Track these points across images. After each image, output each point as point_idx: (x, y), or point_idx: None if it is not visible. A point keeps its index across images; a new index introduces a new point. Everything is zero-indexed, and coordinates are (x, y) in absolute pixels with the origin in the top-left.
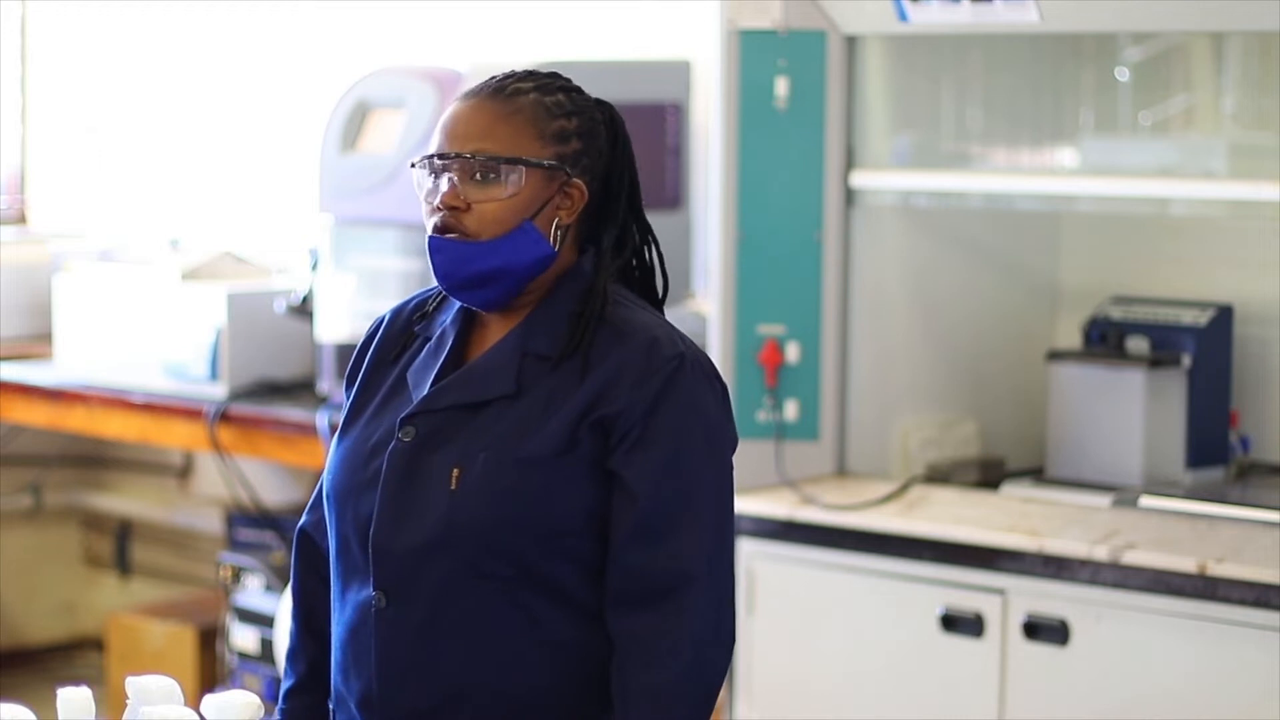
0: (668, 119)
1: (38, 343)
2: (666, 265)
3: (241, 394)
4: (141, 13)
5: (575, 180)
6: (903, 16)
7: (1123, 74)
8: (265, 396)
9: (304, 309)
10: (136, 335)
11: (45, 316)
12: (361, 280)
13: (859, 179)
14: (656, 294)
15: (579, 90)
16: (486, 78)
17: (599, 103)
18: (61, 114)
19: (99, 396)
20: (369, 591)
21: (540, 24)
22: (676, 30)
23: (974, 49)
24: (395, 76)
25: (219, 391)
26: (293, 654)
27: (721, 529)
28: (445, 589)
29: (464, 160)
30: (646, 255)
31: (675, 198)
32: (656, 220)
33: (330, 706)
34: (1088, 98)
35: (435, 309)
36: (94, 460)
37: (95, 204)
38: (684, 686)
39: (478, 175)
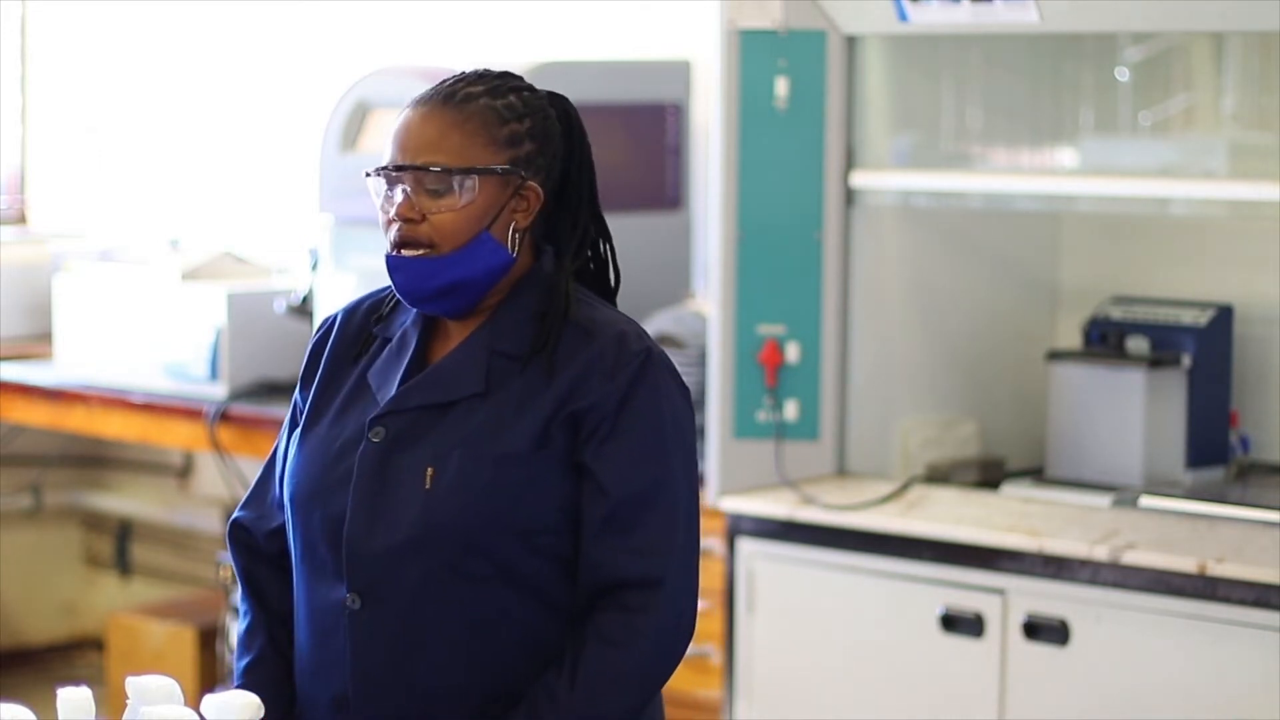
0: (668, 119)
1: (38, 343)
2: (666, 266)
3: (241, 394)
4: (141, 13)
5: (530, 183)
6: (903, 16)
7: (1123, 74)
8: (265, 396)
9: (304, 309)
10: (136, 335)
11: (45, 316)
12: (361, 280)
13: (859, 179)
14: (610, 287)
15: (531, 89)
16: (437, 82)
17: (552, 98)
18: (61, 114)
19: (99, 396)
20: (340, 594)
21: (540, 24)
22: (676, 30)
23: (974, 49)
24: (395, 76)
25: (219, 391)
26: (247, 632)
27: (690, 521)
28: (422, 589)
29: (417, 172)
30: (601, 249)
31: (675, 198)
32: (657, 220)
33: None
34: (1088, 98)
35: (391, 310)
36: (94, 460)
37: (95, 204)
38: (644, 671)
39: (431, 186)
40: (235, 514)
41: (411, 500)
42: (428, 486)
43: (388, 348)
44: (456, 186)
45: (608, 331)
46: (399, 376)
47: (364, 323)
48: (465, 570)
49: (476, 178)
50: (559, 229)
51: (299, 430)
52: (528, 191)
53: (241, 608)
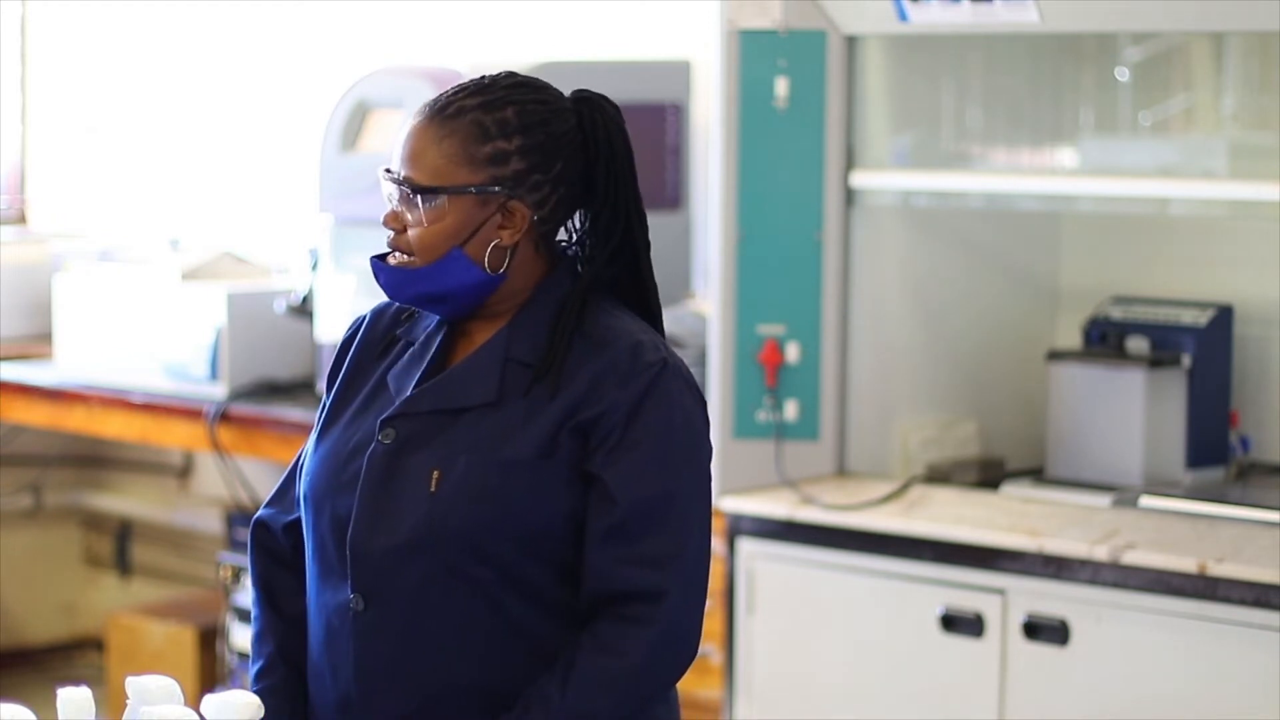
0: (668, 119)
1: (38, 343)
2: (666, 266)
3: (241, 394)
4: (141, 13)
5: (514, 202)
6: (903, 16)
7: (1123, 74)
8: (265, 396)
9: (304, 309)
10: (136, 335)
11: (45, 316)
12: (361, 280)
13: (859, 179)
14: (647, 307)
15: (541, 101)
16: (448, 88)
17: (582, 104)
18: (61, 114)
19: (99, 396)
20: (346, 594)
21: (540, 24)
22: (676, 30)
23: (974, 49)
24: (395, 76)
25: (219, 391)
26: (259, 636)
27: (700, 535)
28: (424, 591)
29: (397, 184)
30: (641, 265)
31: (675, 198)
32: (656, 220)
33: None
34: (1088, 98)
35: (419, 312)
36: (94, 460)
37: (95, 204)
38: (637, 681)
39: (410, 199)
40: (259, 512)
41: (416, 502)
42: (433, 489)
43: (410, 350)
44: (421, 204)
45: (623, 341)
46: (416, 379)
47: (391, 324)
48: (466, 574)
49: (445, 197)
50: (590, 237)
51: (318, 429)
52: (513, 209)
53: (254, 612)
